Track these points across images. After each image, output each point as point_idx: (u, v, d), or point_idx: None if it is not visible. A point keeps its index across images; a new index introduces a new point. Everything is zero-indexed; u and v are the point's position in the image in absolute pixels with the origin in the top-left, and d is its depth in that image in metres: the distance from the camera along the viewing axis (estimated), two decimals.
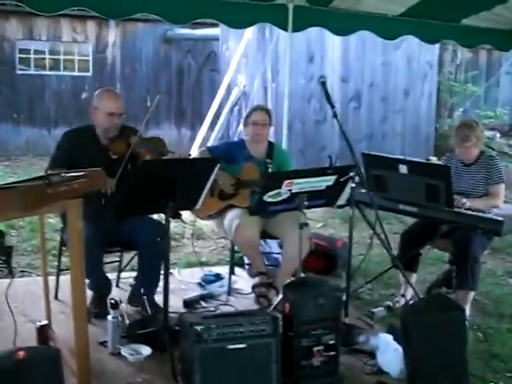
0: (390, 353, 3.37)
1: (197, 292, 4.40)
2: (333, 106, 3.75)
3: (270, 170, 4.36)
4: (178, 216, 3.50)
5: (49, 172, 3.59)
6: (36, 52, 12.34)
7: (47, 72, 12.44)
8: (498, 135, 12.69)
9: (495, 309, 4.60)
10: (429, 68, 11.01)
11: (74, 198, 2.73)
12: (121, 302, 3.57)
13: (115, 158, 3.81)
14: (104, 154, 3.82)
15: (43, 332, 3.42)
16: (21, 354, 2.40)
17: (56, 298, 4.12)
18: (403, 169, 3.98)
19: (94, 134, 3.93)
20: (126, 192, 3.22)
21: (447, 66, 12.64)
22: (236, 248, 4.56)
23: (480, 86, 12.40)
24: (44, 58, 12.42)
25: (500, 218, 3.87)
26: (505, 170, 4.53)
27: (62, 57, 12.50)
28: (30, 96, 12.31)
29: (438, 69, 11.48)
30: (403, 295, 4.43)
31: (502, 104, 13.22)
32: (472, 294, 4.19)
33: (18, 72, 12.24)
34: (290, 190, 3.46)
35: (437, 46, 10.67)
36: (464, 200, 4.08)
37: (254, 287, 4.30)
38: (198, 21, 5.02)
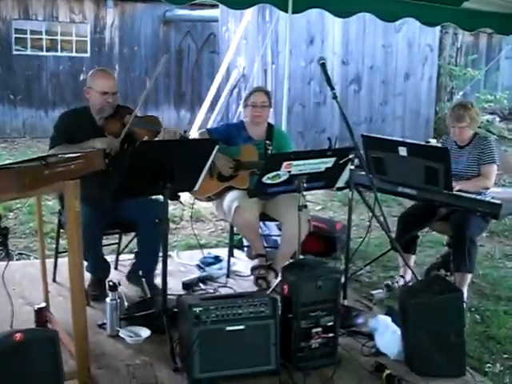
0: (388, 334, 3.37)
1: (196, 274, 4.39)
2: (332, 88, 3.72)
3: (269, 152, 4.34)
4: (176, 198, 3.48)
5: (51, 152, 3.64)
6: (32, 32, 12.22)
7: (44, 53, 12.33)
8: (498, 119, 12.67)
9: (492, 291, 4.63)
10: (429, 51, 10.96)
11: (71, 179, 2.72)
12: (119, 284, 3.56)
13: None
14: (100, 134, 3.82)
15: (41, 314, 3.41)
16: (18, 336, 2.39)
17: (54, 280, 4.11)
18: (403, 151, 3.96)
19: (90, 114, 3.93)
20: (124, 173, 3.20)
21: (448, 49, 12.58)
22: (235, 230, 4.56)
23: (480, 69, 12.35)
24: (41, 39, 12.31)
25: (498, 201, 3.86)
26: (504, 155, 4.52)
27: (59, 37, 12.39)
28: (26, 77, 12.20)
29: (438, 52, 11.43)
30: (402, 277, 4.45)
31: (502, 88, 13.20)
32: (469, 276, 4.20)
33: (15, 52, 12.11)
34: (289, 172, 3.45)
35: (437, 29, 10.63)
36: (453, 183, 4.06)
37: (252, 269, 4.31)
38: (197, 1, 4.98)
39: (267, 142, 4.40)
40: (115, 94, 3.87)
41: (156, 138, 3.82)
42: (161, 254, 3.48)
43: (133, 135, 3.81)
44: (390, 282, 4.40)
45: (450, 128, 4.38)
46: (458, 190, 4.01)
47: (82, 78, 11.93)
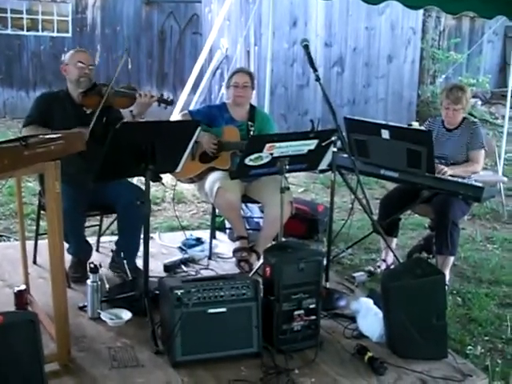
0: (370, 317, 3.39)
1: (178, 256, 4.38)
2: (315, 70, 3.70)
3: (251, 133, 4.32)
4: (158, 179, 3.45)
5: (24, 130, 3.68)
6: (13, 11, 12.00)
7: (25, 32, 12.13)
8: (480, 103, 12.71)
9: (474, 274, 4.67)
10: (412, 34, 10.94)
11: (51, 160, 2.69)
12: (100, 266, 3.54)
13: (89, 112, 3.85)
14: (78, 110, 3.87)
15: (21, 297, 3.38)
16: None
17: (34, 262, 4.08)
18: (385, 134, 3.96)
19: (68, 95, 3.97)
20: (105, 155, 3.17)
21: (430, 32, 12.56)
22: (217, 212, 4.54)
23: (462, 53, 12.37)
24: (21, 18, 12.11)
25: (480, 185, 3.87)
26: (485, 138, 4.54)
27: (40, 17, 12.19)
28: (7, 57, 11.99)
29: (421, 35, 11.42)
30: (384, 260, 4.46)
31: (484, 72, 13.21)
32: (451, 259, 4.23)
33: None
34: (271, 154, 3.43)
35: (420, 12, 10.61)
36: (446, 169, 4.08)
37: (234, 251, 4.30)
38: None
39: (249, 123, 4.38)
40: (91, 66, 3.94)
41: (135, 103, 3.85)
42: (142, 236, 3.46)
43: (112, 106, 3.87)
44: (371, 268, 4.41)
45: (444, 109, 4.35)
46: (449, 175, 4.03)
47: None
